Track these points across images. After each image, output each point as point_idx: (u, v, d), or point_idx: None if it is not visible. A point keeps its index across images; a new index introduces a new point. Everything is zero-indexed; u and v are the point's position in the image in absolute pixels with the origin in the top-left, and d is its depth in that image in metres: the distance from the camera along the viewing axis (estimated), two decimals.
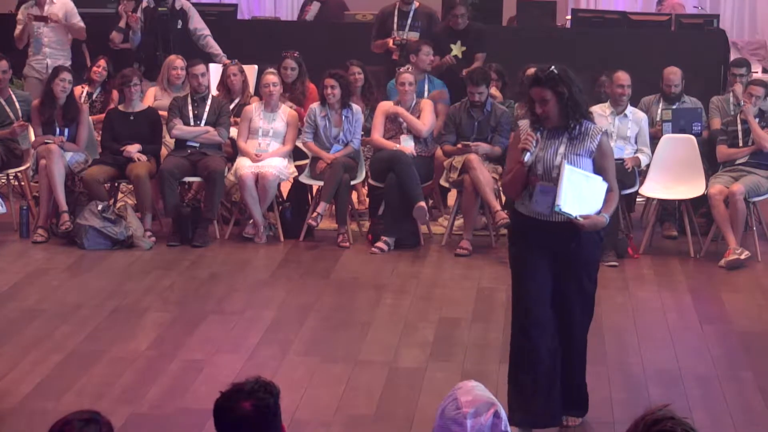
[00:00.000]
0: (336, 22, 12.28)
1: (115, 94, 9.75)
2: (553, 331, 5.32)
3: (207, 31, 10.77)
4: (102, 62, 10.01)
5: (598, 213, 5.22)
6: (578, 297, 5.38)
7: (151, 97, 9.82)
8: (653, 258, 8.67)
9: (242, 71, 9.78)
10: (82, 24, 10.80)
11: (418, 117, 9.18)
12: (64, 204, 8.85)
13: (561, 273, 5.32)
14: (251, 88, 10.18)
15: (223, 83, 9.78)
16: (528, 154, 5.21)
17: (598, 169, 5.27)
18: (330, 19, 12.26)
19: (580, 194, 5.17)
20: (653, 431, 2.78)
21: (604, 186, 5.26)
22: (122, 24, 10.84)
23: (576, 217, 5.15)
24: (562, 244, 5.27)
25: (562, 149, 5.22)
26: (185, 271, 8.19)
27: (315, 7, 12.31)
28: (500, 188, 8.96)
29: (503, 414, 3.29)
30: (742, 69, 9.71)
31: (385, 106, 9.28)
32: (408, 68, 9.31)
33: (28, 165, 9.31)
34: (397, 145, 9.04)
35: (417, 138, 9.15)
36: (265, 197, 8.89)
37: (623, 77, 9.01)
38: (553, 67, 5.22)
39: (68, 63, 10.42)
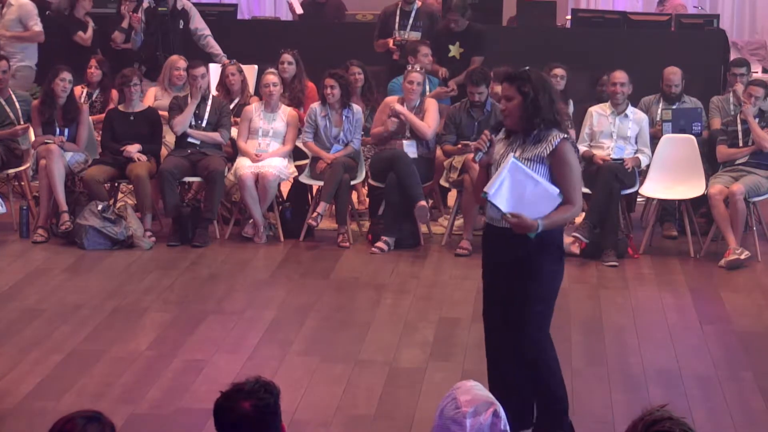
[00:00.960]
0: (336, 22, 12.27)
1: (114, 93, 9.73)
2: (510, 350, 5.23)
3: (207, 31, 10.77)
4: (93, 62, 9.86)
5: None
6: (522, 311, 5.13)
7: (152, 97, 9.81)
8: (653, 258, 8.66)
9: (240, 71, 9.77)
10: (37, 28, 10.78)
11: (422, 117, 9.11)
12: (64, 204, 8.85)
13: (512, 284, 5.13)
14: (251, 88, 10.18)
15: (222, 83, 9.77)
16: (480, 153, 5.12)
17: (555, 177, 5.03)
18: (329, 19, 12.25)
19: (521, 195, 4.95)
20: (652, 431, 2.78)
21: (556, 200, 4.99)
22: (125, 24, 10.84)
23: (504, 213, 4.94)
24: (514, 251, 5.08)
25: (517, 153, 5.04)
26: (185, 271, 8.19)
27: None
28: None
29: (502, 413, 3.29)
30: (742, 69, 9.71)
31: (391, 100, 9.22)
32: (417, 68, 9.25)
33: (28, 165, 9.31)
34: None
35: (420, 140, 9.10)
36: (266, 197, 8.89)
37: (619, 75, 9.02)
38: (528, 67, 5.13)
39: (25, 63, 10.46)
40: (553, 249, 5.12)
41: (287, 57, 9.66)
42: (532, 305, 5.14)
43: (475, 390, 3.32)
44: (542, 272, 5.11)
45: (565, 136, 5.09)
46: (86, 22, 11.14)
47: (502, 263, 5.18)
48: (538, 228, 4.96)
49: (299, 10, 12.44)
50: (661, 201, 9.04)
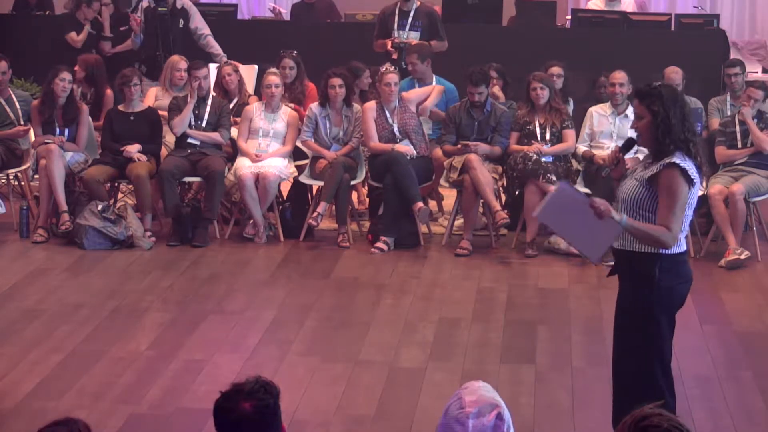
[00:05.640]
0: (337, 22, 12.27)
1: (109, 92, 9.68)
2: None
3: (207, 31, 10.75)
4: (77, 67, 9.68)
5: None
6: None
7: (152, 97, 9.80)
8: None
9: (236, 71, 9.75)
10: None
11: (406, 114, 9.08)
12: (64, 204, 8.85)
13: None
14: (251, 88, 10.17)
15: (219, 84, 9.75)
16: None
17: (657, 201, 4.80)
18: (320, 19, 12.22)
19: (575, 219, 4.84)
20: (641, 426, 2.82)
21: (615, 227, 4.79)
22: (106, 33, 10.91)
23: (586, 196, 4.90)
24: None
25: (638, 174, 4.88)
26: (185, 271, 8.19)
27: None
28: (500, 188, 8.98)
29: (507, 416, 3.28)
30: (735, 68, 9.68)
31: (368, 106, 9.16)
32: (392, 68, 9.18)
33: (28, 165, 9.32)
34: (394, 146, 8.97)
35: (412, 143, 9.06)
36: (266, 197, 8.89)
37: (617, 75, 9.01)
38: (658, 83, 4.86)
39: None
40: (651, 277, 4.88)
41: (288, 62, 9.62)
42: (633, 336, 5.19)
43: (482, 391, 3.31)
44: (640, 305, 5.06)
45: (676, 161, 4.74)
46: (84, 24, 11.12)
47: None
48: (622, 221, 4.77)
49: (284, 10, 12.45)
50: None
